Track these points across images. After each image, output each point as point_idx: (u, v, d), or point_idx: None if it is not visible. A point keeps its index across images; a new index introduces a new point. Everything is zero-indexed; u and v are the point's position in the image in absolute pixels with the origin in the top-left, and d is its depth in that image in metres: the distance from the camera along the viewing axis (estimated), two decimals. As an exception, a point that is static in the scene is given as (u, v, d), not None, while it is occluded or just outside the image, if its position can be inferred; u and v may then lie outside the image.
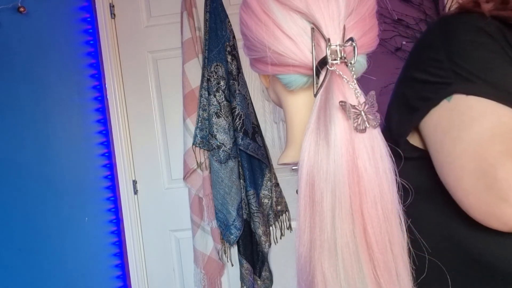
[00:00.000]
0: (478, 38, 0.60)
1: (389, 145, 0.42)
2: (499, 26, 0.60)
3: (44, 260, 1.69)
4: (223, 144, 1.81)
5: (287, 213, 1.93)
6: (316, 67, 0.43)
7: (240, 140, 1.81)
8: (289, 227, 1.93)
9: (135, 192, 2.10)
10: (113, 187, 2.07)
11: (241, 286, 1.89)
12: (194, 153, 1.86)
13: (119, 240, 2.07)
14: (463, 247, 0.61)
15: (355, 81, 0.41)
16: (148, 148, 2.09)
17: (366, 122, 0.39)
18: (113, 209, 2.06)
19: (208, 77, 1.83)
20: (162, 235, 2.10)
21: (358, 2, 0.44)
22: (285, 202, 1.94)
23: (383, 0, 1.78)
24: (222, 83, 1.82)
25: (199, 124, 1.84)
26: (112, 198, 2.06)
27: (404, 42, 1.87)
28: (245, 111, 1.84)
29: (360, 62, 0.46)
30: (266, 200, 1.89)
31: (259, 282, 1.89)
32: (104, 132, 2.05)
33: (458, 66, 0.59)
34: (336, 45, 0.41)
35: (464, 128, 0.53)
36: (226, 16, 1.86)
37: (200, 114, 1.84)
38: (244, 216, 1.87)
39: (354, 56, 0.41)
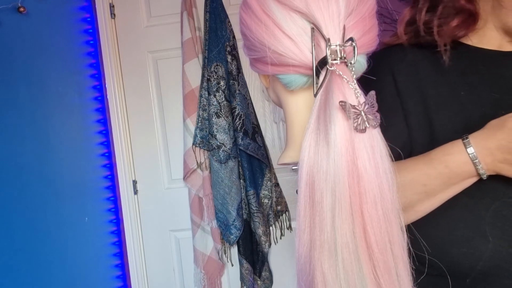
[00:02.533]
0: (379, 74, 0.69)
1: (388, 145, 0.42)
2: (417, 54, 0.74)
3: (44, 260, 1.69)
4: (223, 144, 1.81)
5: (287, 213, 1.93)
6: (316, 67, 0.43)
7: (240, 140, 1.81)
8: (289, 227, 1.93)
9: (135, 192, 2.10)
10: (113, 187, 2.07)
11: (241, 286, 1.89)
12: (194, 153, 1.85)
13: (119, 240, 2.07)
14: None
15: (355, 81, 0.41)
16: (148, 148, 2.09)
17: (366, 122, 0.39)
18: (113, 209, 2.06)
19: (208, 77, 1.83)
20: (162, 235, 2.10)
21: (358, 2, 0.44)
22: (285, 202, 1.94)
23: (383, 0, 1.78)
24: (222, 83, 1.82)
25: (199, 124, 1.84)
26: (112, 198, 2.06)
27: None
28: (245, 111, 1.84)
29: (360, 62, 0.47)
30: (266, 200, 1.89)
31: (259, 282, 1.89)
32: (104, 132, 2.05)
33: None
34: (336, 45, 0.41)
35: None
36: (226, 16, 1.86)
37: (200, 114, 1.84)
38: (244, 216, 1.87)
39: (354, 56, 0.41)
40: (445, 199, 0.67)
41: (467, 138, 0.64)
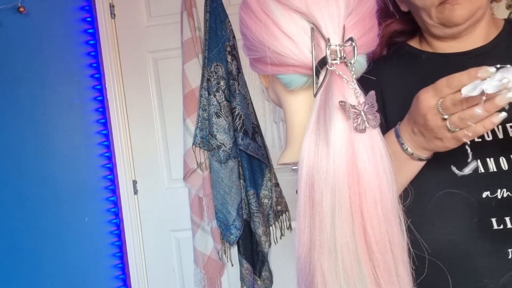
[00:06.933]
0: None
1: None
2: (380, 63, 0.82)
3: (44, 260, 1.69)
4: (223, 144, 1.81)
5: (287, 213, 1.93)
6: (316, 67, 0.43)
7: (240, 140, 1.81)
8: (289, 227, 1.93)
9: (135, 192, 2.09)
10: (113, 187, 2.07)
11: (241, 286, 1.89)
12: (194, 153, 1.85)
13: (119, 240, 2.07)
14: None
15: (355, 81, 0.41)
16: (148, 148, 2.09)
17: (366, 122, 0.39)
18: (113, 209, 2.06)
19: (208, 77, 1.83)
20: (162, 235, 2.10)
21: (358, 2, 0.44)
22: (285, 202, 1.94)
23: (383, 0, 1.77)
24: (222, 83, 1.82)
25: (199, 124, 1.84)
26: (112, 198, 2.06)
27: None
28: (245, 111, 1.84)
29: (360, 62, 0.46)
30: (266, 200, 1.89)
31: (259, 282, 1.89)
32: (104, 132, 2.05)
33: None
34: (336, 45, 0.41)
35: None
36: (226, 16, 1.86)
37: (200, 114, 1.84)
38: (244, 216, 1.87)
39: (354, 56, 0.41)
40: (403, 180, 0.68)
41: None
